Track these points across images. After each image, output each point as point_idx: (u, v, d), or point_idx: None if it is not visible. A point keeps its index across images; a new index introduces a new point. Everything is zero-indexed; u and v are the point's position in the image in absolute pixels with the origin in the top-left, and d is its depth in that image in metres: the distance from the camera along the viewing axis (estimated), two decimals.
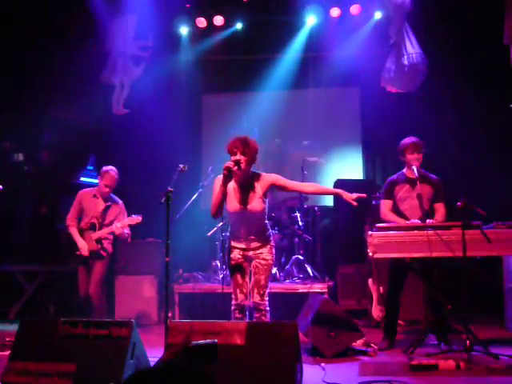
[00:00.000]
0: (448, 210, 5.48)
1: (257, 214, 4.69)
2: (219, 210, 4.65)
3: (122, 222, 6.09)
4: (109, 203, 6.22)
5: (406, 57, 8.12)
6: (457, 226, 4.95)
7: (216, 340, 3.37)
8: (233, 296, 4.78)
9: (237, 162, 4.53)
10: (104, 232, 6.12)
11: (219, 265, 7.48)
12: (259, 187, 4.68)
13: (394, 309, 5.61)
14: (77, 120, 8.65)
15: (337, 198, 8.37)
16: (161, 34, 8.86)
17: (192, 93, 9.21)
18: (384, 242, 5.07)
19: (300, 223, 7.69)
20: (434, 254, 4.96)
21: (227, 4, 8.86)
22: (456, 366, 4.52)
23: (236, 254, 4.79)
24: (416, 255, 5.09)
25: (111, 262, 6.47)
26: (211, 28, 8.96)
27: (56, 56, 8.17)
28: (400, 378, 4.27)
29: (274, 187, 4.79)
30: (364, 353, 5.28)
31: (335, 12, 8.53)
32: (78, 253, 6.05)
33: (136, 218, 6.03)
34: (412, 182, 5.52)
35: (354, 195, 4.60)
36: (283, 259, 7.66)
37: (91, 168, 9.16)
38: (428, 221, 5.23)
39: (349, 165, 8.99)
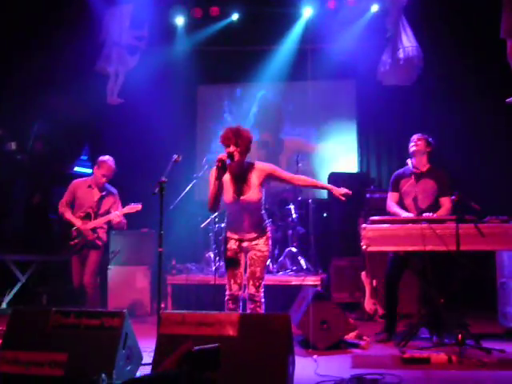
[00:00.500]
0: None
1: (253, 205, 4.66)
2: (216, 204, 4.62)
3: (121, 211, 6.07)
4: (104, 193, 6.19)
5: (401, 50, 8.10)
6: (451, 220, 4.95)
7: (217, 344, 3.30)
8: (227, 286, 4.77)
9: (230, 154, 4.50)
10: (101, 221, 6.09)
11: (212, 256, 7.47)
12: (255, 177, 4.65)
13: (391, 300, 5.61)
14: (71, 109, 8.59)
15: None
16: (156, 24, 8.81)
17: (187, 83, 9.17)
18: (378, 235, 5.07)
19: (294, 215, 7.69)
20: (428, 248, 4.96)
21: None
22: (448, 360, 4.54)
23: (231, 245, 4.77)
24: (410, 249, 5.09)
25: (105, 251, 6.46)
26: (207, 18, 8.91)
27: (50, 44, 8.11)
28: (392, 371, 4.26)
29: (270, 178, 4.76)
30: (356, 345, 5.30)
31: (332, 4, 8.50)
32: (72, 242, 6.03)
33: (136, 206, 6.02)
34: (417, 176, 5.54)
35: (343, 191, 4.62)
36: (277, 251, 7.66)
37: (85, 158, 9.13)
38: (424, 214, 5.23)
39: (343, 158, 8.98)
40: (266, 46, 9.00)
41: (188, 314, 3.95)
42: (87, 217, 6.09)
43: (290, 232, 7.73)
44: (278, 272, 7.41)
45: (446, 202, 5.50)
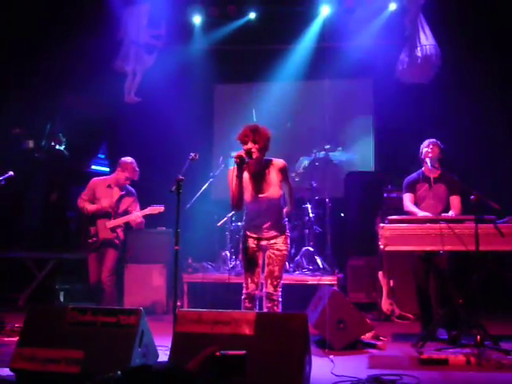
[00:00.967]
0: (463, 204, 5.44)
1: (273, 201, 4.64)
2: (240, 202, 4.59)
3: (142, 212, 6.10)
4: (123, 192, 6.23)
5: (419, 48, 8.05)
6: (470, 220, 4.90)
7: (245, 351, 3.24)
8: (244, 285, 4.75)
9: (248, 152, 4.48)
10: (121, 221, 6.13)
11: (229, 255, 7.47)
12: (274, 174, 4.62)
13: (424, 301, 5.57)
14: (88, 108, 8.64)
15: (348, 190, 8.36)
16: (173, 23, 8.83)
17: (204, 82, 9.14)
18: (396, 234, 5.03)
19: (311, 215, 7.66)
20: (447, 248, 4.92)
21: None
22: (466, 361, 4.50)
23: (250, 244, 4.75)
24: (428, 248, 5.06)
25: (122, 249, 6.48)
26: (224, 17, 8.90)
27: (69, 43, 8.15)
28: (409, 372, 4.23)
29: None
30: (373, 346, 5.27)
31: (350, 2, 8.45)
32: (90, 240, 6.06)
33: (158, 208, 6.04)
34: (430, 182, 5.55)
35: None
36: (293, 250, 7.63)
37: (103, 156, 9.16)
38: (443, 214, 5.19)
39: (360, 157, 8.93)
40: (283, 44, 8.96)
41: (204, 312, 3.95)
42: (107, 215, 6.12)
43: (307, 231, 7.70)
44: (294, 271, 7.39)
45: (455, 201, 5.50)
